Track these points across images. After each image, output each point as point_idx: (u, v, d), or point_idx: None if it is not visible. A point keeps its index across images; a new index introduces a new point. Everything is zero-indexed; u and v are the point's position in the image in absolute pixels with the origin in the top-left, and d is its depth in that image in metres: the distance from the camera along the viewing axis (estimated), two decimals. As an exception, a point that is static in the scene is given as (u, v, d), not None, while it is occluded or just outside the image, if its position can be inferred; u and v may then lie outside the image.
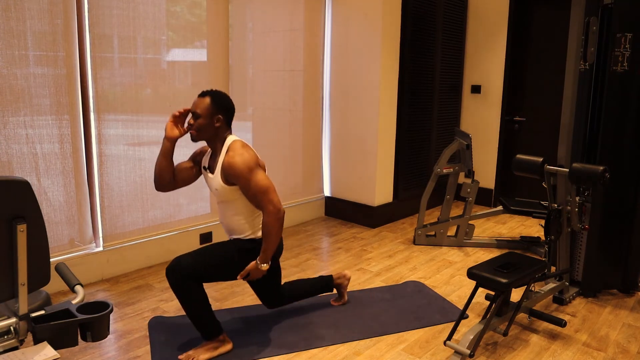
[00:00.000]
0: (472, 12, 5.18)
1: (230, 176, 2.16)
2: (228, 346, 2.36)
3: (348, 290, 3.12)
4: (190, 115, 2.58)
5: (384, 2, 4.12)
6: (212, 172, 2.27)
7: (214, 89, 2.26)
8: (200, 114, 2.19)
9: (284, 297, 2.57)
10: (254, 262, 2.24)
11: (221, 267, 2.26)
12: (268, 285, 2.48)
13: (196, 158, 2.43)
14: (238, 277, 2.26)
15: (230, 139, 2.26)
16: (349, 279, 2.86)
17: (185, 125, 2.29)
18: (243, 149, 2.19)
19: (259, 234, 2.33)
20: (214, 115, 2.20)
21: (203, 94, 2.22)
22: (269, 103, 4.15)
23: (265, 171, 2.26)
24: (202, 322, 2.27)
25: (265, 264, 2.23)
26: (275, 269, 2.46)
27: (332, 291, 2.85)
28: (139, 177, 3.34)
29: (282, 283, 2.62)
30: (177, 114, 2.26)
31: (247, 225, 2.30)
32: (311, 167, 4.63)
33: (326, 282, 2.77)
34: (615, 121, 2.91)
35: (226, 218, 2.32)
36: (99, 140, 3.12)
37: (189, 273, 2.17)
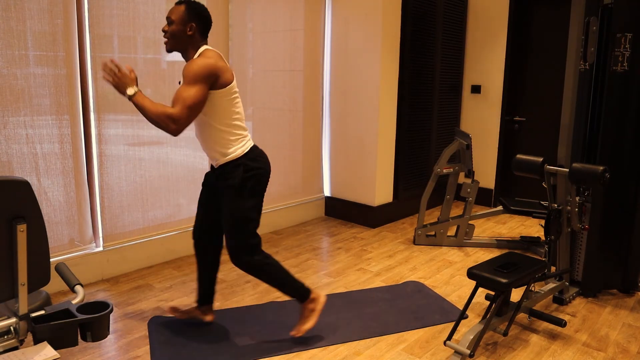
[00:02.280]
0: (472, 12, 5.18)
1: (183, 74, 2.11)
2: (322, 299, 2.46)
3: (348, 290, 3.12)
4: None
5: (384, 2, 4.12)
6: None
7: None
8: (174, 20, 2.16)
9: (252, 250, 2.28)
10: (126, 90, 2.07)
11: (249, 217, 2.26)
12: (237, 214, 2.25)
13: None
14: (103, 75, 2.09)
15: (203, 47, 2.21)
16: (321, 304, 2.46)
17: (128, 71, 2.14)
18: (209, 57, 2.12)
19: (240, 150, 2.25)
20: (187, 22, 2.16)
21: (179, 2, 2.19)
22: (269, 103, 4.15)
23: (232, 77, 2.18)
24: (291, 287, 2.35)
25: (130, 89, 2.07)
26: (244, 193, 2.25)
27: (301, 303, 2.44)
28: (139, 177, 3.34)
29: (267, 253, 2.38)
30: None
31: (221, 141, 2.22)
32: (311, 167, 4.63)
33: (302, 292, 2.41)
34: (615, 121, 2.91)
35: (200, 134, 2.27)
36: (99, 140, 3.12)
37: (247, 252, 2.25)
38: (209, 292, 2.61)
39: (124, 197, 3.28)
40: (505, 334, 2.40)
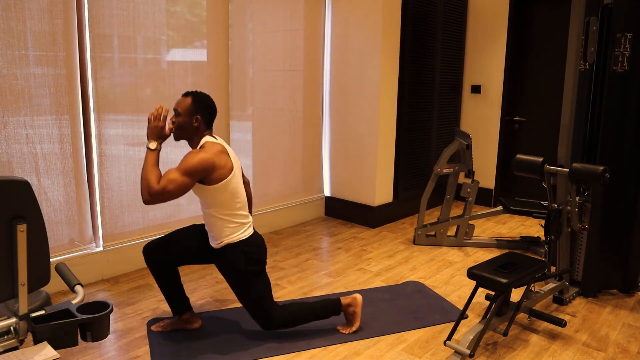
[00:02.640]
0: (472, 12, 5.18)
1: None
2: (358, 300, 2.55)
3: (348, 290, 3.12)
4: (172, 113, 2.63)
5: (384, 2, 4.12)
6: None
7: (198, 90, 2.34)
8: (181, 112, 2.27)
9: (276, 316, 2.41)
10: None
11: (265, 291, 2.38)
12: (250, 297, 2.37)
13: None
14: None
15: (205, 139, 2.29)
16: (359, 305, 2.57)
17: (167, 124, 2.32)
18: (207, 151, 2.20)
19: (240, 236, 2.33)
20: (193, 114, 2.27)
21: (186, 94, 2.30)
22: (269, 103, 4.15)
23: (229, 172, 2.25)
24: (323, 312, 2.48)
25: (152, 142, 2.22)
26: (252, 278, 2.36)
27: (339, 314, 2.58)
28: (139, 177, 3.34)
29: (284, 303, 2.50)
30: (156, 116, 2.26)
31: (222, 227, 2.31)
32: (311, 167, 4.63)
33: (333, 307, 2.52)
34: (615, 121, 2.91)
35: (205, 217, 2.36)
36: (99, 140, 3.12)
37: (270, 320, 2.39)
38: (182, 300, 2.54)
39: (124, 197, 3.28)
40: (505, 334, 2.40)
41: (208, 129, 2.33)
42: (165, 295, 2.51)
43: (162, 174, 2.16)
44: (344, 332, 2.58)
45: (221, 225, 2.31)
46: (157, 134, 2.23)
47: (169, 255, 2.42)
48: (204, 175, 2.19)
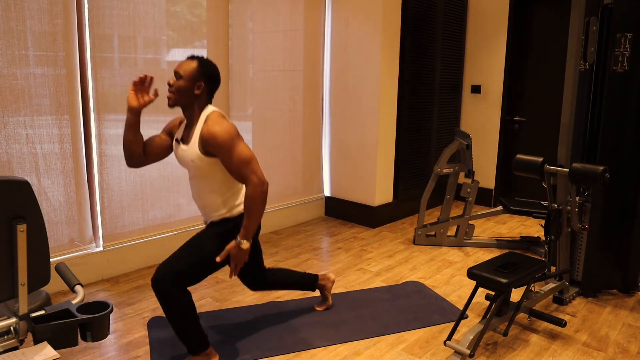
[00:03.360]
0: (472, 12, 5.18)
1: (211, 146, 2.01)
2: (215, 358, 2.26)
3: (348, 290, 3.12)
4: (172, 76, 2.42)
5: (384, 2, 4.12)
6: (187, 142, 2.11)
7: (206, 57, 2.14)
8: (183, 75, 2.04)
9: (265, 280, 2.51)
10: (233, 242, 2.07)
11: (204, 261, 2.12)
12: (249, 264, 2.42)
13: (170, 130, 2.27)
14: (217, 258, 2.08)
15: (209, 109, 2.10)
16: (332, 282, 2.80)
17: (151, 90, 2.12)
18: (223, 118, 2.06)
19: (235, 211, 2.18)
20: (196, 80, 2.05)
21: (192, 57, 2.09)
22: (269, 103, 4.15)
23: None
24: (185, 336, 2.14)
25: (245, 241, 2.06)
26: (256, 248, 2.42)
27: (314, 290, 2.77)
28: (139, 177, 3.34)
29: (268, 267, 2.57)
30: (137, 80, 2.07)
31: (222, 203, 2.16)
32: (311, 167, 4.63)
33: (310, 280, 2.71)
34: (615, 121, 2.91)
35: (200, 195, 2.18)
36: (99, 140, 3.12)
37: (174, 281, 2.06)
38: (303, 279, 2.69)
39: (124, 197, 3.28)
40: (505, 334, 2.40)
41: (209, 100, 2.13)
42: (197, 327, 2.22)
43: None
44: (319, 309, 2.81)
45: (222, 201, 2.16)
46: (243, 258, 2.09)
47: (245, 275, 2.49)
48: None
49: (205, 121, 2.06)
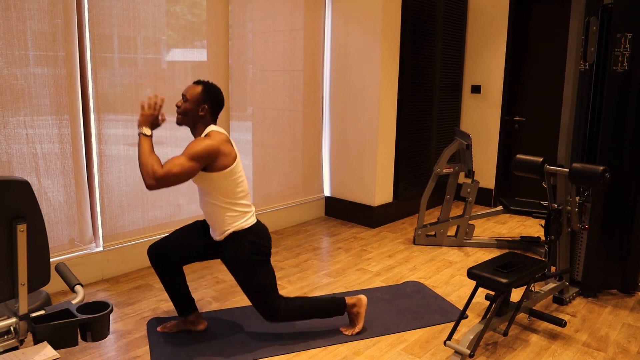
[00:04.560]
0: (472, 12, 5.18)
1: None
2: (363, 301, 2.56)
3: (348, 290, 3.12)
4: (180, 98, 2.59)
5: (384, 2, 4.12)
6: None
7: (209, 81, 2.33)
8: (189, 98, 2.26)
9: (280, 309, 2.38)
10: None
11: (266, 280, 2.35)
12: (254, 286, 2.33)
13: None
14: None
15: (210, 128, 2.28)
16: (364, 306, 2.58)
17: (160, 114, 2.29)
18: (212, 138, 2.19)
19: (243, 224, 2.32)
20: (200, 103, 2.26)
21: (198, 82, 2.30)
22: (269, 103, 4.15)
23: (233, 161, 2.24)
24: (326, 310, 2.46)
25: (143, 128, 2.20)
26: (256, 266, 2.33)
27: (343, 315, 2.60)
28: (139, 177, 3.34)
29: (288, 297, 2.46)
30: (148, 105, 2.25)
31: (223, 216, 2.29)
32: (311, 167, 4.63)
33: (338, 306, 2.52)
34: (615, 121, 2.91)
35: (204, 207, 2.34)
36: (99, 140, 3.12)
37: (273, 310, 2.36)
38: (187, 301, 2.52)
39: (124, 197, 3.28)
40: (505, 334, 2.40)
41: (213, 120, 2.33)
42: (171, 296, 2.50)
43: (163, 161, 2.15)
44: (346, 333, 2.57)
45: (223, 213, 2.29)
46: (150, 122, 2.22)
47: (174, 255, 2.42)
48: (209, 162, 2.18)
49: (204, 135, 2.26)
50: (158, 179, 2.08)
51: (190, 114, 2.27)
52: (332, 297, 2.52)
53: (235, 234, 2.32)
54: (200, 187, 2.31)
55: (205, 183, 2.27)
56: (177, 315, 2.72)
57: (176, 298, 2.50)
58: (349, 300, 2.55)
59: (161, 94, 3.37)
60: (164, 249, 2.42)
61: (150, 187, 2.08)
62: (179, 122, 2.31)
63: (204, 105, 2.27)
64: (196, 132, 2.31)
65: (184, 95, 2.28)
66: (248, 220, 2.34)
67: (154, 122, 2.23)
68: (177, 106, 2.29)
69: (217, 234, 2.36)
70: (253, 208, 2.40)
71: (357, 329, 2.57)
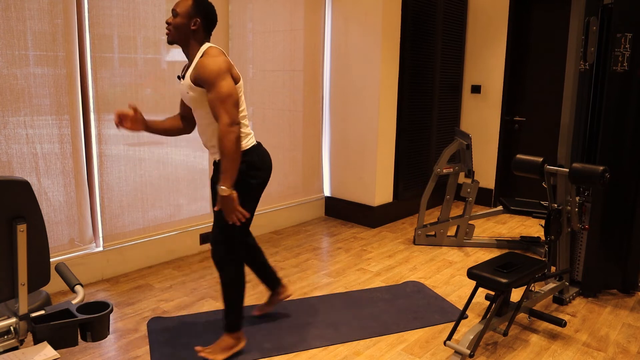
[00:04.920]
0: (472, 12, 5.18)
1: (199, 76, 2.09)
2: (242, 344, 2.38)
3: (348, 290, 3.12)
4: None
5: (384, 2, 4.12)
6: (184, 77, 2.20)
7: None
8: (179, 12, 2.14)
9: (235, 252, 2.25)
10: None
11: (244, 202, 2.18)
12: (222, 216, 2.18)
13: None
14: (215, 208, 2.14)
15: (207, 45, 2.17)
16: (285, 298, 2.69)
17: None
18: (219, 54, 2.11)
19: (244, 145, 2.20)
20: (192, 17, 2.14)
21: None
22: (269, 103, 4.15)
23: (239, 75, 2.18)
24: (236, 310, 2.30)
25: (224, 188, 2.04)
26: (247, 192, 2.20)
27: (227, 330, 2.34)
28: (139, 177, 3.34)
29: (249, 254, 2.50)
30: (119, 117, 2.21)
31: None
32: (311, 167, 4.63)
33: (274, 281, 2.65)
34: (615, 121, 2.91)
35: (202, 129, 2.24)
36: (99, 140, 3.12)
37: (228, 246, 2.21)
38: (271, 276, 2.62)
39: (124, 197, 3.28)
40: (505, 334, 2.40)
41: (206, 37, 2.19)
42: (257, 273, 2.59)
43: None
44: (255, 313, 2.72)
45: None
46: (234, 208, 2.08)
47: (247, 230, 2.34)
48: (230, 73, 2.10)
49: (202, 54, 2.14)
50: (232, 122, 2.01)
51: (182, 28, 2.13)
52: (240, 317, 2.36)
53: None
54: (202, 110, 2.17)
55: (202, 99, 2.15)
56: (177, 315, 2.72)
57: (259, 272, 2.59)
58: (239, 333, 2.38)
59: (161, 97, 3.37)
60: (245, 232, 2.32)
61: (238, 131, 2.03)
62: (170, 40, 2.16)
63: (196, 19, 2.13)
64: (189, 49, 2.18)
65: (173, 10, 2.15)
66: (248, 142, 2.23)
67: (236, 203, 2.07)
68: (167, 22, 2.15)
69: (217, 156, 2.25)
70: (251, 130, 2.30)
71: (268, 309, 2.74)
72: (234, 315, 2.30)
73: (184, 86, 2.18)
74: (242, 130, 2.21)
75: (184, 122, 2.43)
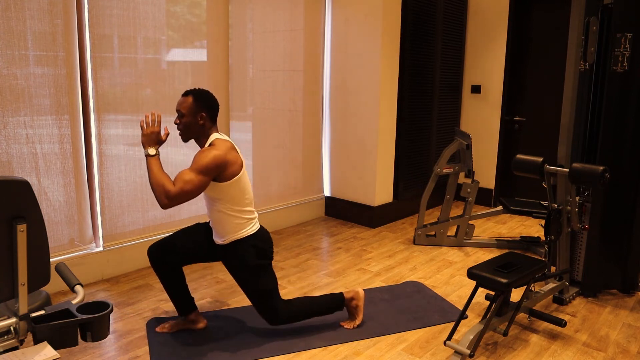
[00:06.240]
0: (472, 12, 5.18)
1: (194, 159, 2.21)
2: (361, 294, 2.58)
3: (348, 290, 3.12)
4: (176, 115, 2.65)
5: (384, 2, 4.12)
6: None
7: (196, 88, 2.34)
8: (185, 112, 2.26)
9: (283, 311, 2.43)
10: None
11: (269, 285, 2.38)
12: (259, 291, 2.37)
13: None
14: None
15: (213, 137, 2.30)
16: (362, 299, 2.62)
17: (162, 129, 2.31)
18: (218, 148, 2.21)
19: (247, 232, 2.35)
20: (197, 113, 2.26)
21: (186, 94, 2.28)
22: (269, 103, 4.15)
23: (240, 168, 2.27)
24: (326, 307, 2.51)
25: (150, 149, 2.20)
26: (261, 271, 2.37)
27: (342, 309, 2.62)
28: (139, 177, 3.34)
29: (287, 299, 2.49)
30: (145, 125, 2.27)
31: (228, 224, 2.31)
32: (311, 167, 4.63)
33: (337, 301, 2.56)
34: (615, 121, 2.91)
35: (210, 215, 2.35)
36: (99, 140, 3.12)
37: (275, 313, 2.40)
38: (188, 300, 2.53)
39: (124, 197, 3.28)
40: (505, 334, 2.40)
41: (213, 125, 2.33)
42: (171, 296, 2.50)
43: (172, 177, 2.16)
44: (347, 327, 2.61)
45: (230, 221, 2.32)
46: (153, 140, 2.22)
47: (174, 255, 2.42)
48: (217, 173, 2.19)
49: (209, 144, 2.28)
50: (171, 198, 2.09)
51: (191, 127, 2.27)
52: (330, 294, 2.56)
53: (241, 240, 2.34)
54: (208, 195, 2.32)
55: (214, 192, 2.28)
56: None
57: (176, 298, 2.50)
58: (347, 294, 2.60)
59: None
60: (164, 249, 2.42)
61: (165, 206, 2.09)
62: (184, 139, 2.31)
63: (201, 113, 2.26)
64: (201, 141, 2.32)
65: (178, 111, 2.27)
66: (253, 227, 2.37)
67: (156, 139, 2.23)
68: (176, 124, 2.30)
69: (221, 239, 2.37)
70: (256, 214, 2.44)
71: (357, 322, 2.62)
72: (329, 308, 2.52)
73: None
74: (246, 216, 2.35)
75: None
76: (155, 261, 2.43)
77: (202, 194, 2.31)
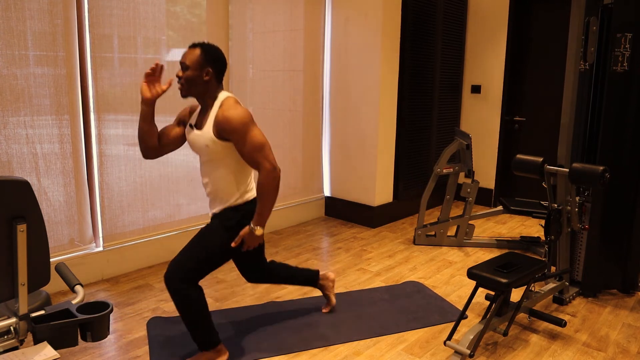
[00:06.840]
0: (472, 12, 5.18)
1: (225, 130, 2.04)
2: (224, 357, 2.28)
3: (348, 290, 3.12)
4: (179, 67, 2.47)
5: (384, 2, 4.12)
6: (201, 128, 2.13)
7: (207, 41, 2.16)
8: (189, 65, 2.06)
9: (264, 272, 2.49)
10: (247, 227, 2.13)
11: (211, 255, 2.16)
12: (252, 255, 2.37)
13: (182, 119, 2.29)
14: (233, 244, 2.15)
15: (223, 95, 2.13)
16: (332, 281, 2.78)
17: (168, 83, 2.13)
18: (237, 104, 2.09)
19: (247, 196, 2.21)
20: (203, 67, 2.07)
21: (193, 45, 2.09)
22: (269, 103, 4.15)
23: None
24: (199, 332, 2.18)
25: (259, 227, 2.12)
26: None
27: (315, 286, 2.74)
28: (139, 177, 3.34)
29: (268, 260, 2.56)
30: (150, 71, 2.10)
31: (234, 188, 2.17)
32: (311, 167, 4.63)
33: (310, 276, 2.69)
34: (615, 121, 2.91)
35: (213, 180, 2.18)
36: (99, 140, 3.12)
37: (183, 277, 2.10)
38: (307, 274, 2.68)
39: (124, 197, 3.28)
40: (505, 334, 2.40)
41: (219, 84, 2.14)
42: (295, 284, 2.68)
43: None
44: (325, 310, 2.80)
45: (232, 186, 2.17)
46: (256, 240, 2.15)
47: (245, 269, 2.50)
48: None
49: (220, 106, 2.09)
50: (273, 168, 2.06)
51: (194, 81, 2.07)
52: (214, 332, 2.29)
53: (234, 207, 2.20)
54: (219, 161, 2.14)
55: (223, 153, 2.11)
56: (177, 315, 2.72)
57: (298, 281, 2.66)
58: (321, 273, 2.77)
59: (161, 97, 3.36)
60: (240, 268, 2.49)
61: (279, 175, 2.08)
62: (184, 94, 2.11)
63: (208, 68, 2.07)
64: (205, 101, 2.14)
65: (182, 63, 2.07)
66: (251, 193, 2.24)
67: (259, 237, 2.15)
68: (178, 77, 2.09)
69: (220, 207, 2.23)
70: (254, 184, 2.31)
71: (332, 303, 2.80)
72: (201, 335, 2.19)
73: (202, 138, 2.11)
74: (248, 181, 2.24)
75: (156, 146, 2.25)
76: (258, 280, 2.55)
77: (211, 160, 2.16)
